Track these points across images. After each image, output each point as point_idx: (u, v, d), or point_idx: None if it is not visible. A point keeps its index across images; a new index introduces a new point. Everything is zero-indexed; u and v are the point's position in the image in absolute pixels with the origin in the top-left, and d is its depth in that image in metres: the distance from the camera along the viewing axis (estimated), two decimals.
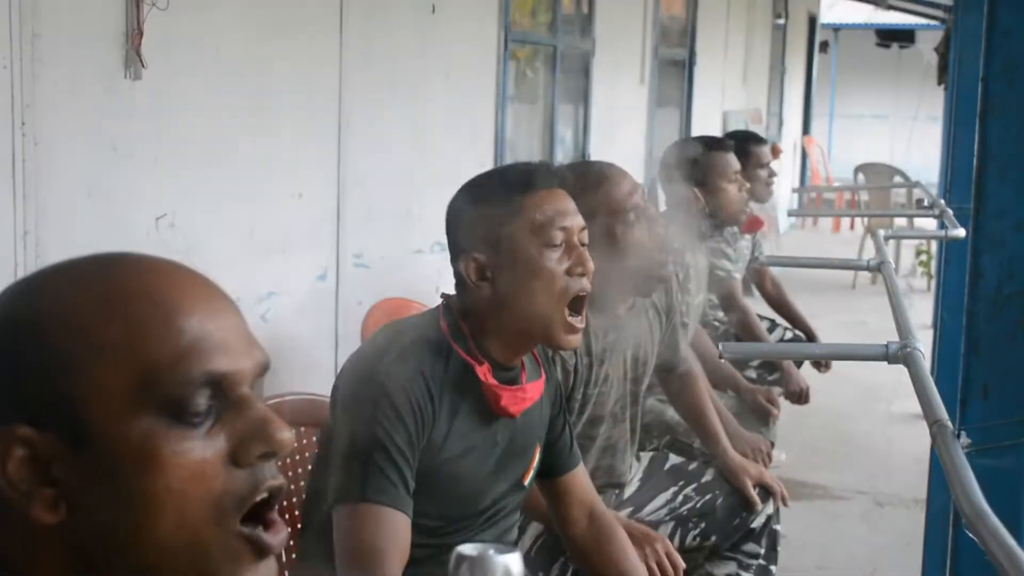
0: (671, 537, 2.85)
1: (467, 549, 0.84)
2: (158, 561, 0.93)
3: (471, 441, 2.06)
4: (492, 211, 2.07)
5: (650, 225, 2.73)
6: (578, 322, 2.08)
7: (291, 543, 2.33)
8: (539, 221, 2.05)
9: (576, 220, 2.10)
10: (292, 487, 2.38)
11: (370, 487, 1.90)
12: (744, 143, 4.67)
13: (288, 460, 2.38)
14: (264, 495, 0.97)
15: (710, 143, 3.99)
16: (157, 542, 0.92)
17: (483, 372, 2.03)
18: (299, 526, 2.25)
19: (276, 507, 0.99)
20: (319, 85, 3.32)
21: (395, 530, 1.90)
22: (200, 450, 0.94)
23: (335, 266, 3.43)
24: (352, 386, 2.00)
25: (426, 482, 2.00)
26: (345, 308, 3.47)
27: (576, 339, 2.10)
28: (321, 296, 3.38)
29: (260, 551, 0.96)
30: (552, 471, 2.31)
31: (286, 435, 0.97)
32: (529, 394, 2.11)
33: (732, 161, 3.87)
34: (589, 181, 2.63)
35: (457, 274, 2.11)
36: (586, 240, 2.12)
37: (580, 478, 2.35)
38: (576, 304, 2.08)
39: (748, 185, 3.95)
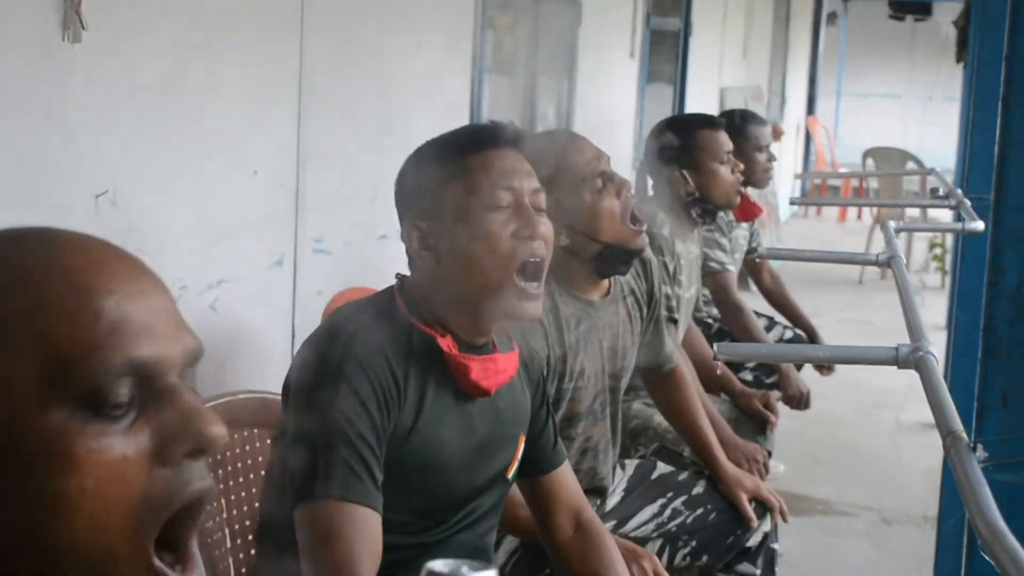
0: (659, 555, 2.86)
1: (438, 565, 0.84)
2: (65, 570, 0.91)
3: (444, 425, 2.06)
4: (434, 174, 2.08)
5: (620, 192, 2.74)
6: (533, 288, 2.07)
7: (251, 552, 2.33)
8: (482, 181, 2.06)
9: (527, 182, 2.10)
10: (243, 494, 2.37)
11: (334, 482, 1.90)
12: (742, 123, 4.68)
13: (239, 465, 2.38)
14: (191, 499, 0.95)
15: (699, 121, 4.02)
16: (66, 549, 0.90)
17: (447, 344, 2.03)
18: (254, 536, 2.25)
19: (200, 517, 0.97)
20: (277, 53, 3.30)
21: (365, 528, 1.90)
22: (120, 447, 0.91)
23: (292, 251, 3.42)
24: (307, 373, 1.99)
25: (396, 472, 1.99)
26: (303, 298, 3.46)
27: (534, 307, 2.08)
28: (277, 284, 3.37)
29: None
30: (535, 469, 2.31)
31: (217, 430, 0.95)
32: (502, 366, 2.10)
33: (724, 140, 3.90)
34: (548, 150, 2.65)
35: (404, 245, 2.11)
36: (541, 204, 2.11)
37: (566, 478, 2.36)
38: (529, 270, 2.07)
39: (742, 166, 3.96)
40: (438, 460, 2.06)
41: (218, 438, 0.95)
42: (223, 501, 2.33)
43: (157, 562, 0.94)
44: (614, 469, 3.03)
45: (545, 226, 2.09)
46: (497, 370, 2.09)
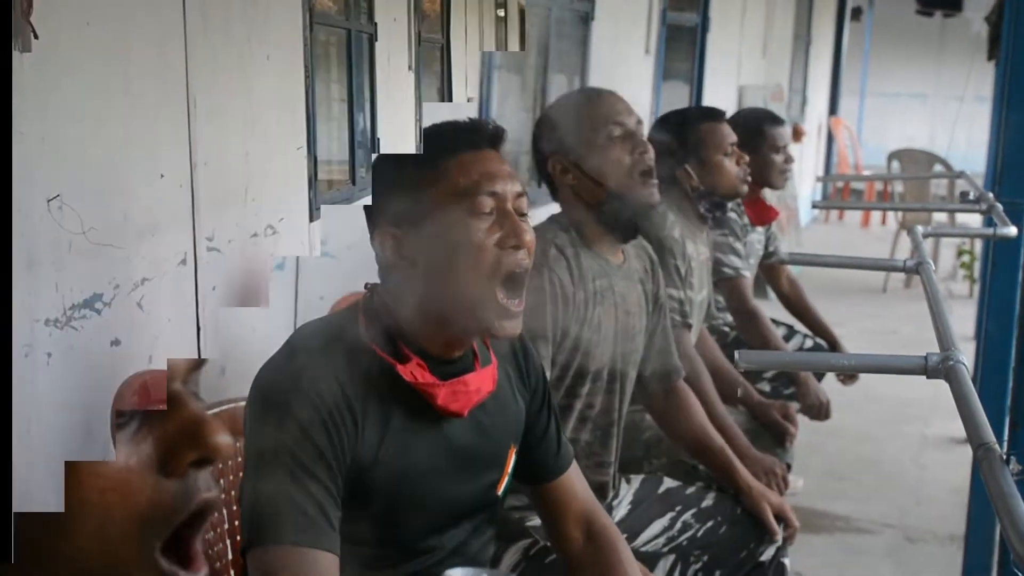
0: (671, 572, 2.87)
1: (457, 573, 0.85)
2: None
3: (414, 449, 2.02)
4: (411, 177, 2.04)
5: (635, 149, 2.86)
6: (515, 305, 2.03)
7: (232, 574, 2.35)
8: (464, 186, 2.02)
9: (511, 186, 2.06)
10: (236, 508, 2.39)
11: (284, 525, 1.85)
12: (758, 123, 4.71)
13: (232, 478, 2.39)
14: (196, 509, 0.97)
15: (700, 114, 4.12)
16: (70, 561, 0.91)
17: (407, 371, 1.99)
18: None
19: (206, 525, 0.99)
20: (282, 51, 3.32)
21: (318, 573, 1.85)
22: (123, 457, 0.93)
23: (294, 255, 3.43)
24: (256, 405, 1.96)
25: (366, 504, 1.97)
26: (306, 303, 3.47)
27: (514, 326, 2.05)
28: (278, 288, 3.38)
29: None
30: (539, 476, 2.30)
31: (222, 439, 0.97)
32: (473, 386, 2.06)
33: (726, 132, 3.97)
34: (578, 100, 2.87)
35: (376, 254, 2.08)
36: (524, 209, 2.08)
37: (574, 484, 2.34)
38: (511, 283, 2.03)
39: (747, 158, 4.02)
40: (411, 485, 2.02)
41: (223, 447, 0.97)
42: (224, 511, 2.35)
43: (165, 564, 0.95)
44: (616, 480, 3.05)
45: (529, 234, 2.05)
46: (468, 391, 2.05)
